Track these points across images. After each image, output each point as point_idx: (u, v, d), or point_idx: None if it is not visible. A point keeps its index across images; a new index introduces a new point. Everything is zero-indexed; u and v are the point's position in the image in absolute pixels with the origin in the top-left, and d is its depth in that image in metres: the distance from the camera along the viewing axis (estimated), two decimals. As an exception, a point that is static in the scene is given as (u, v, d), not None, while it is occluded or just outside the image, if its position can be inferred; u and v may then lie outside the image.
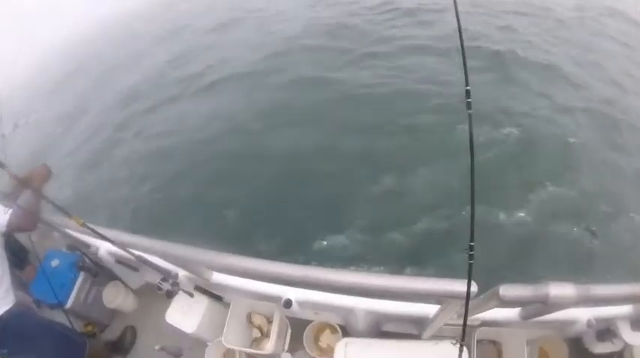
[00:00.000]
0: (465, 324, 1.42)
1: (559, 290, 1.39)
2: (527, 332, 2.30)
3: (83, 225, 1.74)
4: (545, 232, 5.06)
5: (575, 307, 1.49)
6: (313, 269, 1.55)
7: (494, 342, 2.47)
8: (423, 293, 1.44)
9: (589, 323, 2.21)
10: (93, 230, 1.74)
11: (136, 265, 2.66)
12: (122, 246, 1.82)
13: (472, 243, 1.13)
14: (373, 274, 1.49)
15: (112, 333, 2.92)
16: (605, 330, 2.29)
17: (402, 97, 7.27)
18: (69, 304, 2.67)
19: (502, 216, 5.18)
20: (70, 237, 2.68)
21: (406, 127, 6.54)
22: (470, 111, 1.03)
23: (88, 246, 2.54)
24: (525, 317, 2.07)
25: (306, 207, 5.59)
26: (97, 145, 9.10)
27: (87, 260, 2.69)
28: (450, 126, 6.06)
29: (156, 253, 1.83)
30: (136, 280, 2.83)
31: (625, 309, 2.21)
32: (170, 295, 2.12)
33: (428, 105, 6.93)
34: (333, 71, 8.42)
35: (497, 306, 1.53)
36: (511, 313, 2.15)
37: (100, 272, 2.73)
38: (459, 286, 1.41)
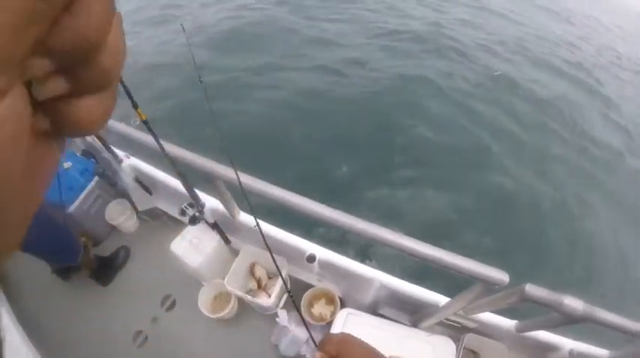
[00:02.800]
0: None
1: (571, 301, 1.51)
2: (509, 353, 2.41)
3: (145, 122, 1.70)
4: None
5: (577, 322, 1.60)
6: (355, 220, 1.60)
7: (474, 352, 2.58)
8: (455, 269, 1.54)
9: (571, 353, 2.34)
10: (152, 131, 1.71)
11: (151, 187, 2.64)
12: (172, 158, 1.80)
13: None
14: (412, 239, 1.58)
15: (104, 250, 2.85)
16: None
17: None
18: (72, 208, 2.61)
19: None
20: (89, 142, 2.63)
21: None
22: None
23: (110, 154, 2.47)
24: (520, 329, 2.18)
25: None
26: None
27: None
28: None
29: (206, 169, 1.80)
30: (145, 203, 2.78)
31: (602, 353, 2.35)
32: (193, 221, 2.12)
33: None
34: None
35: (516, 303, 1.63)
36: (507, 323, 2.25)
37: (115, 185, 2.68)
38: (493, 272, 1.52)
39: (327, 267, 2.30)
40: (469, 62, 8.68)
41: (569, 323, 1.67)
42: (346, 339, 0.66)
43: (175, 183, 2.49)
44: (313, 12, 10.01)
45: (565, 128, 7.29)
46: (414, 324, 2.33)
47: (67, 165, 2.66)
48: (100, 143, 2.48)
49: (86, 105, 0.22)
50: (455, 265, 1.55)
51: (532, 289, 1.55)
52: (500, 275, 1.53)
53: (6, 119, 0.18)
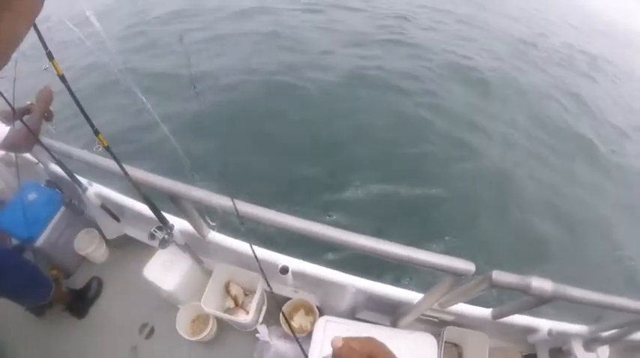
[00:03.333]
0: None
1: (539, 282, 1.55)
2: (490, 341, 2.45)
3: (108, 148, 1.69)
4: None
5: (548, 302, 1.64)
6: (326, 228, 1.61)
7: (456, 345, 2.62)
8: (423, 264, 1.57)
9: (549, 333, 2.38)
10: (115, 157, 1.70)
11: (119, 214, 2.60)
12: (136, 182, 1.78)
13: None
14: (379, 240, 1.60)
15: (76, 282, 2.79)
16: (558, 350, 2.49)
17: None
18: (39, 242, 2.55)
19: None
20: (52, 172, 2.59)
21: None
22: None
23: (75, 183, 2.42)
24: (496, 316, 2.21)
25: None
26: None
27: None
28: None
29: (170, 192, 1.79)
30: (113, 230, 2.74)
31: (581, 329, 2.41)
32: (163, 245, 2.09)
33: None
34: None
35: (486, 290, 1.67)
36: (483, 312, 2.28)
37: (81, 214, 2.63)
38: (459, 263, 1.56)
39: (302, 277, 2.31)
40: (431, 63, 8.91)
41: (541, 303, 1.70)
42: (372, 339, 0.72)
43: (142, 207, 2.46)
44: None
45: (527, 118, 7.59)
46: (394, 324, 2.34)
47: (31, 196, 2.61)
48: (63, 171, 2.44)
49: None
50: (421, 260, 1.58)
51: (499, 275, 1.58)
52: (467, 266, 1.57)
53: None
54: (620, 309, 1.78)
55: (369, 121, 6.53)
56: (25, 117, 2.09)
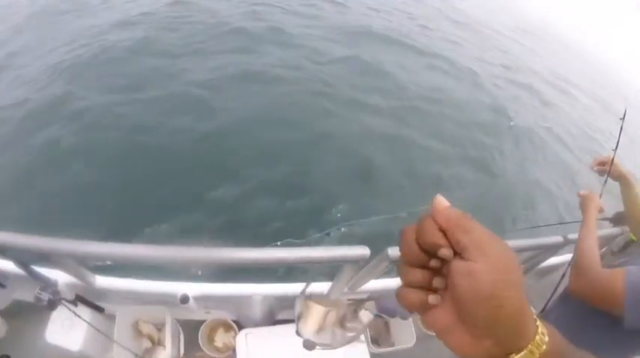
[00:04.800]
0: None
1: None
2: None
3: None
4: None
5: None
6: (215, 250, 1.62)
7: (380, 316, 2.70)
8: (321, 261, 1.64)
9: None
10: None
11: (1, 279, 2.41)
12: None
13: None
14: (265, 249, 1.63)
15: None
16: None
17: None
18: None
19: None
20: None
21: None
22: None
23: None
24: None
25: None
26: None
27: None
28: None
29: (38, 250, 1.67)
30: (2, 299, 2.53)
31: None
32: (52, 306, 1.97)
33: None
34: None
35: (389, 266, 1.74)
36: (394, 282, 2.38)
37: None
38: (354, 250, 1.64)
39: (206, 300, 2.28)
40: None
41: None
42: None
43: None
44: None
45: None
46: (314, 315, 2.39)
47: None
48: None
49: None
50: (317, 258, 1.64)
51: (395, 251, 1.64)
52: (361, 251, 1.64)
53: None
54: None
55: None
56: None
